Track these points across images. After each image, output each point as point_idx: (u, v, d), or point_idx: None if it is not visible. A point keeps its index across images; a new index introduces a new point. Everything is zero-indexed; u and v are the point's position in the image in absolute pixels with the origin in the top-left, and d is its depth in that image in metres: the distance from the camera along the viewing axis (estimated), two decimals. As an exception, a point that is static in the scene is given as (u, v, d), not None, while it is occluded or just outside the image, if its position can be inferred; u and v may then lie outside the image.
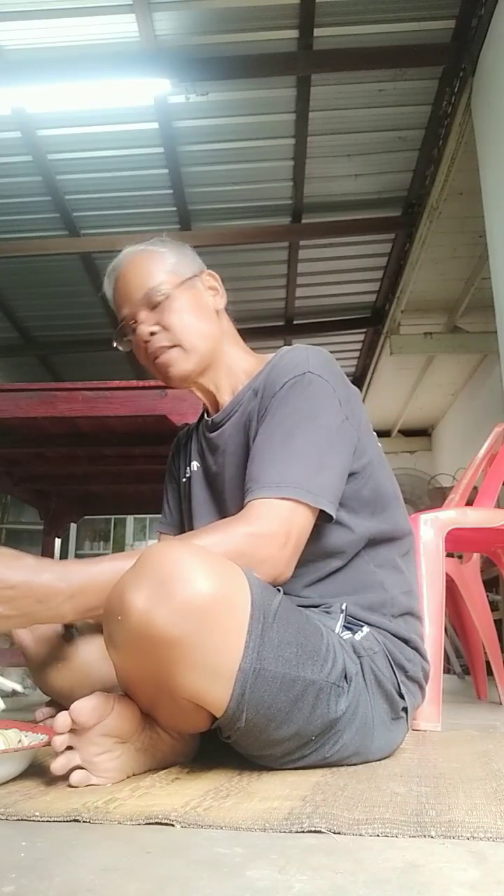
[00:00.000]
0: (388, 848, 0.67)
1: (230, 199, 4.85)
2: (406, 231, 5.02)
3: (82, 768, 0.92)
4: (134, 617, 0.87)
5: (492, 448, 2.39)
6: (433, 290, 5.60)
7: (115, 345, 1.34)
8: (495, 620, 2.79)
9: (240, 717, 0.93)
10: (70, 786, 0.91)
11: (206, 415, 1.39)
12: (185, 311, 1.27)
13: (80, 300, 5.88)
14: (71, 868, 0.62)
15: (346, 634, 1.09)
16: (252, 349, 1.38)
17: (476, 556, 2.51)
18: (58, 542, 3.73)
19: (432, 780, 0.96)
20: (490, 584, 3.86)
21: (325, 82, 3.89)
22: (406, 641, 1.18)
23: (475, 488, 2.44)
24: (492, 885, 0.57)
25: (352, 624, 1.12)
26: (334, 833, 0.71)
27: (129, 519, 8.18)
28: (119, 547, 8.16)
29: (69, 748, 0.93)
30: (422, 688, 1.23)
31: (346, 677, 1.02)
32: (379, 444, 1.28)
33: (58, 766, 0.92)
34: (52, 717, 1.06)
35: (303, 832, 0.72)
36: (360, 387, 7.28)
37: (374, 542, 1.20)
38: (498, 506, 2.44)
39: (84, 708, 0.91)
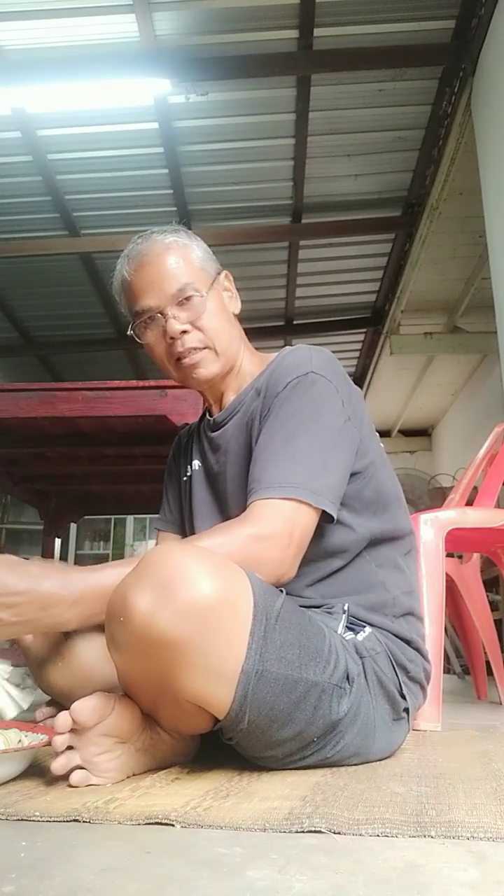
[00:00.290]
0: (388, 848, 0.67)
1: (230, 199, 4.85)
2: (406, 231, 5.02)
3: (82, 768, 0.92)
4: (136, 619, 0.87)
5: (492, 448, 2.39)
6: (433, 290, 5.60)
7: (129, 333, 1.28)
8: (495, 620, 2.79)
9: (242, 719, 0.93)
10: (70, 786, 0.91)
11: (207, 414, 1.39)
12: (217, 313, 1.25)
13: (80, 300, 5.88)
14: (71, 868, 0.62)
15: (349, 635, 1.09)
16: (254, 348, 1.38)
17: (476, 556, 2.51)
18: (58, 542, 3.74)
19: (432, 780, 0.96)
20: (490, 584, 3.86)
21: (325, 82, 3.89)
22: (408, 642, 1.18)
23: (475, 488, 2.44)
24: (492, 885, 0.57)
25: (354, 624, 1.12)
26: (334, 833, 0.71)
27: (129, 519, 8.18)
28: (119, 547, 8.16)
29: (69, 748, 0.93)
30: (423, 688, 1.23)
31: (348, 678, 1.02)
32: (381, 445, 1.28)
33: (58, 766, 0.92)
34: (53, 717, 1.06)
35: (303, 832, 0.72)
36: (360, 387, 7.26)
37: (375, 542, 1.20)
38: (498, 506, 2.44)
39: (84, 708, 0.92)
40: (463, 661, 3.62)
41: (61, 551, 7.32)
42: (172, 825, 0.74)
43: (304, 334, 6.27)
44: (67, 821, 0.76)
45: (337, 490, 1.13)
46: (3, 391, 2.05)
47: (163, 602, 0.86)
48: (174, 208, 4.88)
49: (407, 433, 8.95)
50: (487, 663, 2.47)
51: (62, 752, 0.92)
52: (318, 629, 1.03)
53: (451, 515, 1.99)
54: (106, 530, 8.29)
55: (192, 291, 1.22)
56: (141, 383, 2.01)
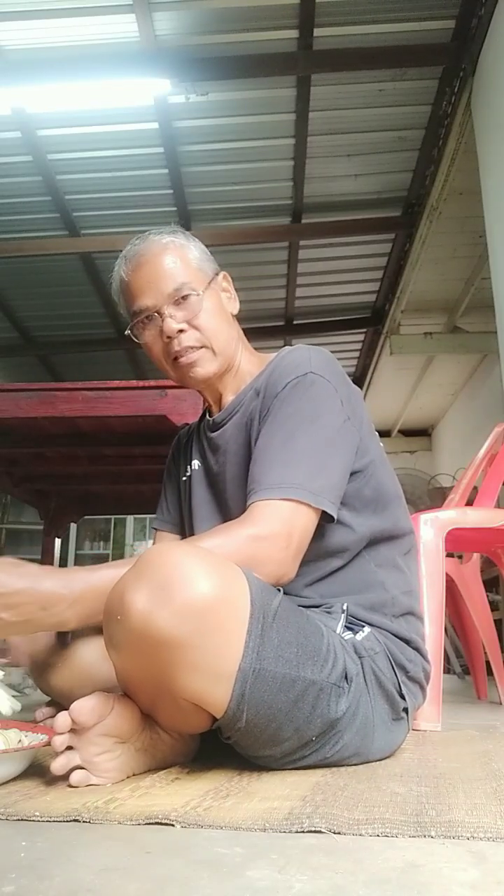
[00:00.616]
0: (388, 848, 0.67)
1: (230, 199, 4.85)
2: (406, 231, 5.02)
3: (82, 768, 0.92)
4: (134, 618, 0.87)
5: (492, 448, 2.39)
6: (433, 290, 5.60)
7: (127, 333, 1.29)
8: (495, 620, 2.79)
9: (240, 718, 0.93)
10: (70, 786, 0.91)
11: (207, 414, 1.39)
12: (214, 312, 1.25)
13: (80, 300, 5.88)
14: (71, 868, 0.62)
15: (348, 634, 1.09)
16: (253, 349, 1.38)
17: (476, 556, 2.51)
18: (58, 542, 3.74)
19: (432, 780, 0.96)
20: (490, 584, 3.86)
21: (325, 82, 3.89)
22: (407, 642, 1.18)
23: (475, 488, 2.44)
24: (492, 885, 0.57)
25: (353, 624, 1.12)
26: (334, 833, 0.71)
27: (129, 519, 8.17)
28: (119, 547, 8.15)
29: (69, 748, 0.93)
30: (423, 688, 1.23)
31: (346, 678, 1.02)
32: (381, 444, 1.28)
33: (58, 766, 0.92)
34: (52, 717, 1.06)
35: (303, 832, 0.72)
36: (360, 387, 7.27)
37: (375, 542, 1.20)
38: (498, 506, 2.44)
39: (84, 708, 0.92)
40: (463, 661, 3.62)
41: (61, 551, 7.31)
42: (172, 825, 0.74)
43: (304, 334, 6.27)
44: (67, 821, 0.76)
45: (337, 490, 1.13)
46: (3, 391, 2.04)
47: (160, 601, 0.87)
48: (174, 208, 4.88)
49: (407, 433, 8.95)
50: (487, 663, 2.47)
51: (62, 752, 0.93)
52: (316, 628, 1.03)
53: (451, 515, 1.99)
54: (106, 530, 8.28)
55: (188, 291, 1.22)
56: (141, 383, 2.01)
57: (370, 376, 7.19)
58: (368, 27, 3.60)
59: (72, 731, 0.92)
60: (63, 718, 0.92)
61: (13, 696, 1.12)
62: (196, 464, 1.37)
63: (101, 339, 6.46)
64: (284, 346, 1.31)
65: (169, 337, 1.22)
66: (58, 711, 0.98)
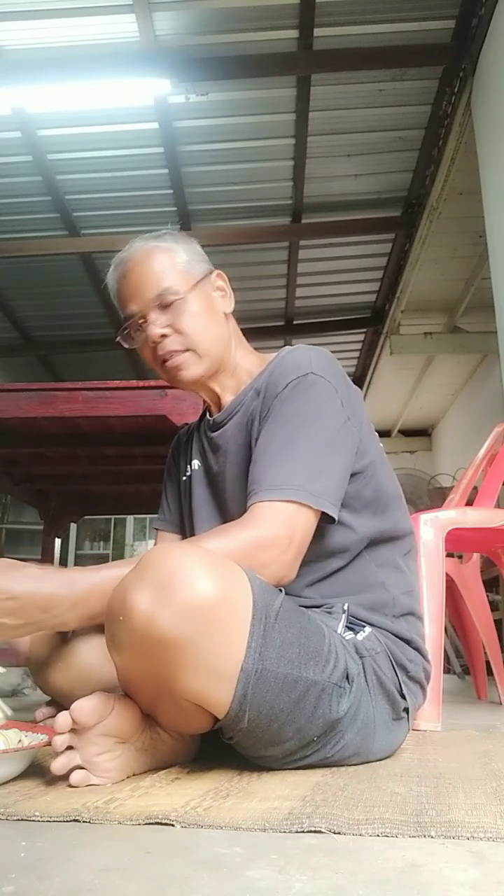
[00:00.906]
0: (388, 848, 0.67)
1: (230, 199, 4.85)
2: (406, 231, 5.02)
3: (82, 768, 0.92)
4: (136, 618, 0.87)
5: (492, 448, 2.39)
6: (433, 290, 5.60)
7: (118, 340, 1.30)
8: (495, 620, 2.79)
9: (242, 718, 0.93)
10: (70, 786, 0.91)
11: (207, 414, 1.39)
12: (199, 314, 1.25)
13: (80, 300, 5.88)
14: (71, 868, 0.62)
15: (349, 635, 1.09)
16: (252, 349, 1.38)
17: (476, 556, 2.51)
18: (58, 542, 3.74)
19: (432, 780, 0.96)
20: (490, 584, 3.86)
21: (325, 82, 3.89)
22: (408, 642, 1.18)
23: (475, 488, 2.44)
24: (492, 885, 0.57)
25: (354, 624, 1.12)
26: (334, 833, 0.71)
27: (129, 519, 8.17)
28: (119, 547, 8.16)
29: (69, 748, 0.93)
30: (423, 688, 1.23)
31: (347, 678, 1.02)
32: (381, 445, 1.28)
33: (58, 766, 0.92)
34: (52, 717, 1.06)
35: (303, 832, 0.72)
36: (360, 387, 7.28)
37: (375, 542, 1.20)
38: (498, 506, 2.44)
39: (84, 708, 0.92)
40: (463, 661, 3.62)
41: (61, 551, 7.31)
42: (172, 825, 0.74)
43: (304, 334, 6.27)
44: (67, 821, 0.76)
45: (337, 491, 1.13)
46: (3, 391, 2.04)
47: (162, 601, 0.87)
48: (174, 208, 4.88)
49: (407, 433, 8.95)
50: (487, 663, 2.47)
51: (62, 752, 0.92)
52: (317, 628, 1.03)
53: (451, 515, 1.99)
54: (106, 530, 8.28)
55: (170, 294, 1.23)
56: (141, 383, 2.01)
57: (370, 376, 7.19)
58: (368, 27, 3.60)
59: (72, 730, 0.92)
60: (63, 718, 0.92)
61: (3, 700, 1.12)
62: (196, 464, 1.37)
63: (101, 339, 6.46)
64: (284, 346, 1.31)
65: (154, 342, 1.24)
66: (58, 711, 0.98)
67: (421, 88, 3.98)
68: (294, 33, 3.64)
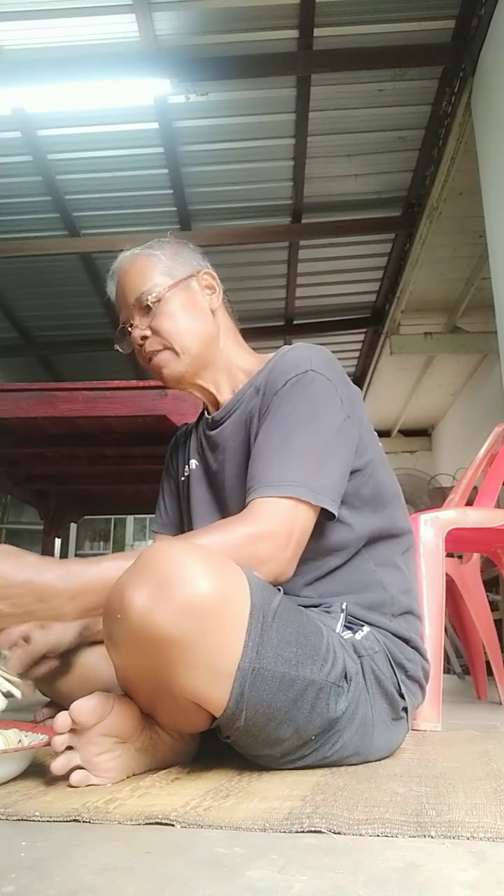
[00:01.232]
0: (388, 848, 0.67)
1: (230, 199, 4.85)
2: (406, 231, 5.02)
3: (82, 768, 0.92)
4: (133, 616, 0.87)
5: (492, 448, 2.39)
6: (433, 290, 5.60)
7: (115, 347, 1.36)
8: (495, 620, 2.79)
9: (239, 717, 0.93)
10: (70, 786, 0.91)
11: (205, 413, 1.39)
12: (176, 313, 1.27)
13: (80, 300, 5.88)
14: (71, 868, 0.62)
15: (347, 634, 1.09)
16: (252, 349, 1.38)
17: (476, 556, 2.51)
18: (58, 542, 3.74)
19: (432, 780, 0.96)
20: (490, 584, 3.86)
21: (325, 82, 3.89)
22: (406, 641, 1.18)
23: (475, 488, 2.44)
24: (492, 885, 0.57)
25: (352, 623, 1.12)
26: (334, 833, 0.71)
27: (129, 519, 8.18)
28: (119, 547, 8.16)
29: (69, 748, 0.93)
30: (422, 687, 1.23)
31: (346, 677, 1.02)
32: (380, 444, 1.28)
33: (58, 766, 0.92)
34: (52, 717, 1.06)
35: (303, 832, 0.72)
36: (360, 387, 7.28)
37: (373, 540, 1.20)
38: (498, 506, 2.44)
39: (84, 708, 0.92)
40: (463, 661, 3.62)
41: (61, 551, 7.30)
42: (172, 825, 0.74)
43: (304, 334, 6.26)
44: (67, 821, 0.76)
45: (337, 488, 1.13)
46: (3, 391, 2.05)
47: (160, 599, 0.87)
48: (174, 208, 4.88)
49: (407, 433, 8.95)
50: (487, 663, 2.47)
51: (62, 752, 0.92)
52: (315, 627, 1.03)
53: (451, 515, 1.99)
54: (106, 530, 8.29)
55: (148, 297, 1.27)
56: (141, 383, 2.01)
57: (370, 376, 7.19)
58: (368, 27, 3.60)
59: (72, 731, 0.92)
60: (63, 718, 0.92)
61: (11, 684, 1.11)
62: (194, 463, 1.37)
63: (101, 339, 6.46)
64: (284, 345, 1.31)
65: (139, 344, 1.28)
66: (58, 711, 0.98)
67: (421, 88, 3.98)
68: (294, 33, 3.64)
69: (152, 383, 1.97)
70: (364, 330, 6.54)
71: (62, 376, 7.24)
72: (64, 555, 7.61)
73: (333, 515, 1.11)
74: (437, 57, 3.73)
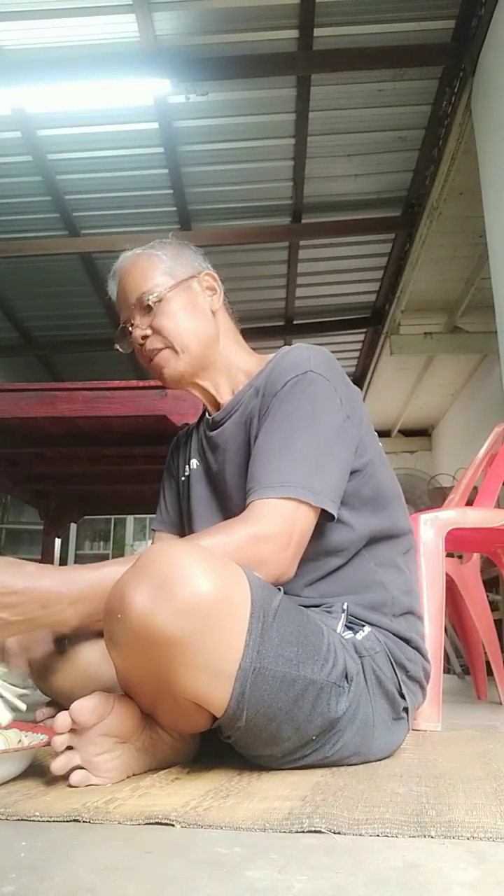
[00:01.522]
0: (388, 848, 0.67)
1: (230, 199, 4.85)
2: (406, 231, 5.02)
3: (82, 768, 0.92)
4: (134, 616, 0.87)
5: (492, 448, 2.39)
6: (433, 290, 5.60)
7: (115, 346, 1.36)
8: (495, 620, 2.79)
9: (240, 717, 0.93)
10: (70, 786, 0.91)
11: (206, 414, 1.39)
12: (177, 313, 1.28)
13: (80, 300, 5.88)
14: (71, 868, 0.62)
15: (348, 634, 1.09)
16: (252, 349, 1.39)
17: (476, 556, 2.51)
18: (58, 542, 3.74)
19: (432, 780, 0.96)
20: (490, 584, 3.86)
21: (325, 82, 3.89)
22: (407, 641, 1.18)
23: (475, 488, 2.44)
24: (492, 885, 0.57)
25: (353, 623, 1.12)
26: (334, 833, 0.71)
27: (129, 519, 8.17)
28: (119, 547, 8.15)
29: (69, 748, 0.93)
30: (423, 687, 1.23)
31: (346, 677, 1.02)
32: (380, 444, 1.28)
33: (58, 766, 0.92)
34: (52, 717, 1.06)
35: (303, 832, 0.72)
36: (360, 387, 7.28)
37: (374, 541, 1.20)
38: (498, 506, 2.44)
39: (84, 708, 0.92)
40: (463, 661, 3.62)
41: (61, 551, 7.32)
42: (172, 825, 0.74)
43: (304, 334, 6.27)
44: (67, 821, 0.76)
45: (337, 488, 1.13)
46: (3, 391, 2.05)
47: (160, 600, 0.87)
48: (174, 208, 4.88)
49: (407, 433, 8.95)
50: (487, 663, 2.47)
51: (62, 752, 0.92)
52: (316, 627, 1.03)
53: (451, 515, 1.99)
54: (106, 530, 8.28)
55: (149, 297, 1.27)
56: (141, 383, 2.01)
57: (370, 376, 7.19)
58: (368, 27, 3.60)
59: (72, 731, 0.92)
60: (63, 718, 0.92)
61: (19, 695, 1.11)
62: (195, 463, 1.37)
63: (101, 339, 6.46)
64: (284, 346, 1.32)
65: (139, 343, 1.29)
66: (58, 711, 0.98)
67: (421, 88, 3.98)
68: (294, 33, 3.64)
69: (152, 383, 1.97)
70: (364, 330, 6.54)
71: (62, 376, 7.23)
72: (64, 555, 7.62)
73: (333, 516, 1.11)
74: (437, 57, 3.73)
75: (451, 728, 1.64)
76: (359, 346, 6.92)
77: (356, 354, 7.10)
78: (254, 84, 3.88)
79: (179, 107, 4.02)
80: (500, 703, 2.29)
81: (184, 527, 1.41)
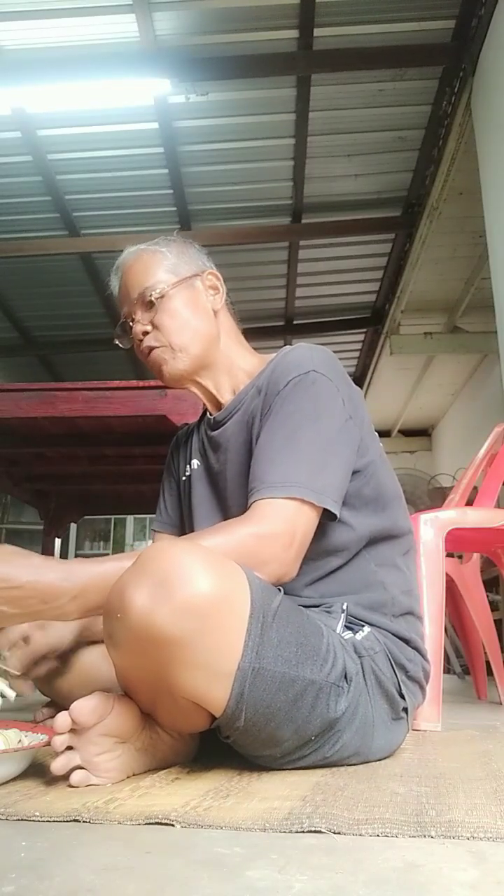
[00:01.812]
0: (388, 848, 0.67)
1: (230, 199, 4.85)
2: (406, 231, 5.02)
3: (82, 768, 0.92)
4: (134, 615, 0.87)
5: (492, 448, 2.39)
6: (433, 290, 5.60)
7: (115, 341, 1.35)
8: (495, 620, 2.79)
9: (239, 717, 0.93)
10: (70, 786, 0.91)
11: (207, 413, 1.39)
12: (178, 311, 1.27)
13: (80, 300, 5.88)
14: (71, 868, 0.62)
15: (347, 634, 1.09)
16: (252, 349, 1.38)
17: (476, 556, 2.51)
18: (58, 542, 3.74)
19: (432, 780, 0.96)
20: (490, 584, 3.86)
21: (325, 82, 3.89)
22: (407, 641, 1.18)
23: (475, 488, 2.44)
24: (492, 885, 0.57)
25: (353, 624, 1.12)
26: (334, 833, 0.71)
27: (129, 519, 8.18)
28: (119, 547, 8.16)
29: (69, 748, 0.93)
30: (422, 688, 1.23)
31: (346, 677, 1.02)
32: (380, 444, 1.28)
33: (58, 766, 0.92)
34: (52, 717, 1.06)
35: (303, 832, 0.72)
36: (360, 387, 7.26)
37: (374, 541, 1.20)
38: (498, 506, 2.44)
39: (84, 708, 0.91)
40: (463, 661, 3.62)
41: (61, 551, 7.31)
42: (172, 825, 0.74)
43: (304, 334, 6.26)
44: (67, 821, 0.76)
45: (339, 489, 1.13)
46: (3, 391, 2.05)
47: (160, 599, 0.86)
48: (174, 208, 4.88)
49: (407, 433, 8.95)
50: (487, 663, 2.47)
51: (62, 752, 0.92)
52: (316, 628, 1.03)
53: (451, 515, 1.99)
54: (106, 530, 8.29)
55: (151, 293, 1.27)
56: (141, 383, 2.01)
57: (370, 376, 7.19)
58: (368, 27, 3.60)
59: (72, 731, 0.92)
60: (63, 718, 0.92)
61: (4, 684, 1.11)
62: (196, 463, 1.37)
63: (101, 339, 6.46)
64: (284, 346, 1.32)
65: (139, 339, 1.28)
66: (58, 711, 0.98)
67: (421, 88, 3.98)
68: (294, 33, 3.65)
69: (152, 383, 1.97)
70: (364, 330, 6.54)
71: (62, 376, 7.23)
72: (64, 555, 7.61)
73: (335, 516, 1.11)
74: (437, 57, 3.73)
75: (451, 728, 1.64)
76: (359, 346, 6.92)
77: (356, 354, 7.10)
78: (254, 84, 3.88)
79: (179, 107, 4.02)
80: (500, 703, 2.29)
81: (184, 527, 1.41)
